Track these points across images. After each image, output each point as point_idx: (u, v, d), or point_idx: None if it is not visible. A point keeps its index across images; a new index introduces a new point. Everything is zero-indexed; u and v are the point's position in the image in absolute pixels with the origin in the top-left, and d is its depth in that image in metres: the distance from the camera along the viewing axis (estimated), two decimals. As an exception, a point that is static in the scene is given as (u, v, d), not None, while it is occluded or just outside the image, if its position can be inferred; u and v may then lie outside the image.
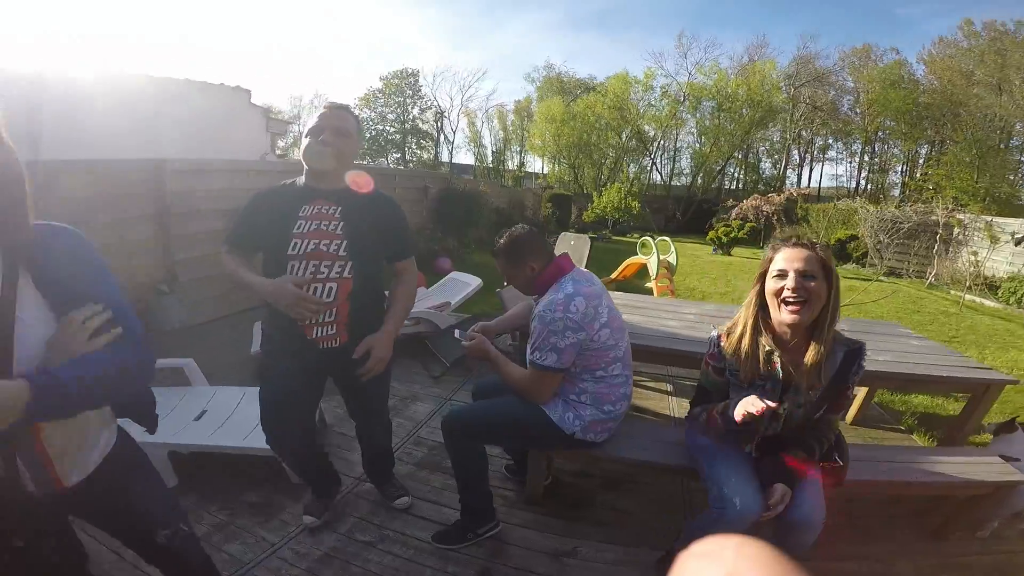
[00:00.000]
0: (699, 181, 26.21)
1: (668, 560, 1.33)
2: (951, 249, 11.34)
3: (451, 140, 36.43)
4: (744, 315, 1.54)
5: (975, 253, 9.99)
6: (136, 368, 0.91)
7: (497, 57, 59.86)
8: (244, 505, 2.02)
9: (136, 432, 1.12)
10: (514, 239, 1.80)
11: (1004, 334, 6.23)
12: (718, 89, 24.38)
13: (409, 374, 3.51)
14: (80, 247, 0.91)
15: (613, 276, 7.32)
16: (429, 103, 34.60)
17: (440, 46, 58.53)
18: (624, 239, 15.68)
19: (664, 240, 7.39)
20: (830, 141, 29.00)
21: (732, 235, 14.51)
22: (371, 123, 32.65)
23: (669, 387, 3.54)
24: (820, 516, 1.49)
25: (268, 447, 1.84)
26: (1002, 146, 23.61)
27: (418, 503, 2.10)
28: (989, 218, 10.87)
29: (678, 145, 28.48)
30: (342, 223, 1.56)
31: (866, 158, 28.95)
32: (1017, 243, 9.36)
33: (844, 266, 12.34)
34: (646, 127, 26.20)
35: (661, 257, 6.74)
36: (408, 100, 33.54)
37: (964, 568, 1.91)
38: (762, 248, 15.57)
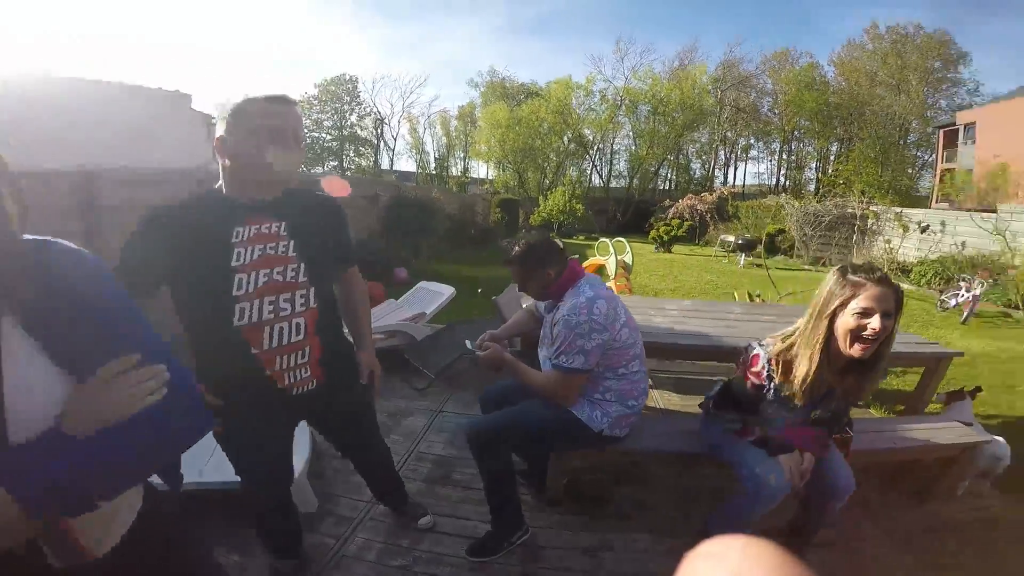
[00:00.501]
0: (636, 183, 27.44)
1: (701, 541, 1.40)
2: (867, 238, 12.53)
3: (392, 147, 35.91)
4: (808, 349, 1.49)
5: (888, 241, 11.12)
6: (187, 431, 0.75)
7: (439, 63, 60.48)
8: (257, 543, 1.86)
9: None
10: (531, 246, 1.82)
11: (921, 313, 6.97)
12: (653, 93, 25.79)
13: (392, 389, 3.38)
14: (92, 273, 0.71)
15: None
16: (368, 110, 34.03)
17: (380, 53, 58.04)
18: (571, 241, 16.06)
19: (620, 241, 7.65)
20: (752, 141, 31.83)
21: (672, 233, 15.28)
22: (307, 131, 31.69)
23: (650, 381, 3.68)
24: (852, 482, 1.64)
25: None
26: (901, 142, 26.48)
27: (439, 520, 2.05)
28: (899, 209, 12.12)
29: (615, 148, 29.96)
30: (292, 241, 1.29)
31: (784, 156, 31.66)
32: (923, 231, 10.49)
33: (774, 257, 13.29)
34: (586, 131, 27.19)
35: (619, 257, 6.98)
36: (346, 107, 32.78)
37: (950, 526, 2.12)
38: (698, 244, 16.57)
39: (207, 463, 2.02)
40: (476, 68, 59.62)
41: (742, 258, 12.40)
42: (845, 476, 1.68)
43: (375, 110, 34.51)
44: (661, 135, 25.98)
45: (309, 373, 1.34)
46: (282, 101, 1.23)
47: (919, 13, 43.80)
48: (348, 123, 32.92)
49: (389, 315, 4.41)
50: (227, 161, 1.24)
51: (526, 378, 1.87)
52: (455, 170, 36.99)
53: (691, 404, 2.94)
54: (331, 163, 32.64)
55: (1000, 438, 2.31)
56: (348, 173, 30.73)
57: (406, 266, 7.92)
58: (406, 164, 36.96)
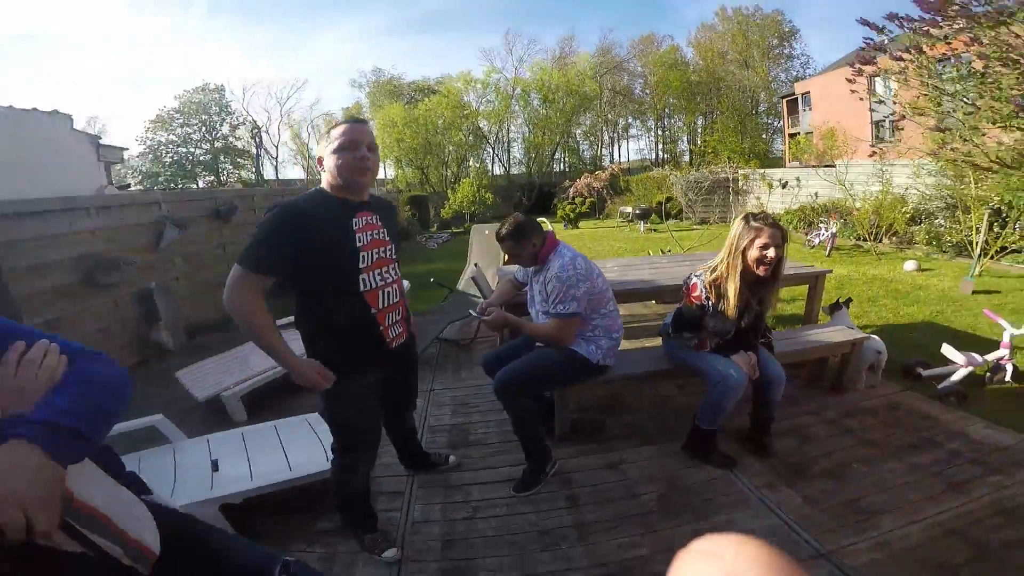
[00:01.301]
0: (533, 168, 28.42)
1: (697, 439, 1.88)
2: (740, 197, 14.38)
3: (274, 155, 33.51)
4: (728, 273, 2.11)
5: (758, 198, 12.91)
6: (119, 376, 0.87)
7: (316, 66, 56.68)
8: (325, 535, 2.00)
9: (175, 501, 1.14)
10: (518, 224, 2.20)
11: (795, 252, 8.34)
12: (543, 82, 26.70)
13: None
14: None
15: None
16: (241, 119, 31.33)
17: (247, 59, 53.14)
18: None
19: (543, 220, 8.21)
20: (630, 120, 33.88)
21: (577, 211, 16.32)
22: (171, 146, 28.49)
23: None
24: (782, 372, 2.25)
25: (320, 471, 2.03)
26: (754, 112, 30.08)
27: (480, 473, 2.37)
28: (763, 171, 14.05)
29: (511, 137, 30.55)
30: (384, 229, 1.69)
31: (659, 132, 34.26)
32: (783, 186, 12.34)
33: (667, 222, 14.74)
34: (482, 123, 27.48)
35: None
36: (215, 117, 29.85)
37: (864, 410, 2.84)
38: (599, 218, 17.82)
39: (263, 466, 2.15)
40: (358, 69, 57.13)
41: (642, 225, 13.64)
42: (777, 369, 2.32)
43: (249, 118, 31.96)
44: (552, 121, 27.13)
45: (401, 329, 1.78)
46: (350, 122, 1.60)
47: None
48: (220, 134, 30.04)
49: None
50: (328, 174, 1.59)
51: (531, 330, 2.28)
52: (348, 172, 35.84)
53: (645, 343, 3.46)
54: (207, 178, 29.65)
55: (875, 337, 3.10)
56: (227, 186, 28.38)
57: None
58: (292, 172, 34.75)
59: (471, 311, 2.45)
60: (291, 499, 2.12)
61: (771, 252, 2.04)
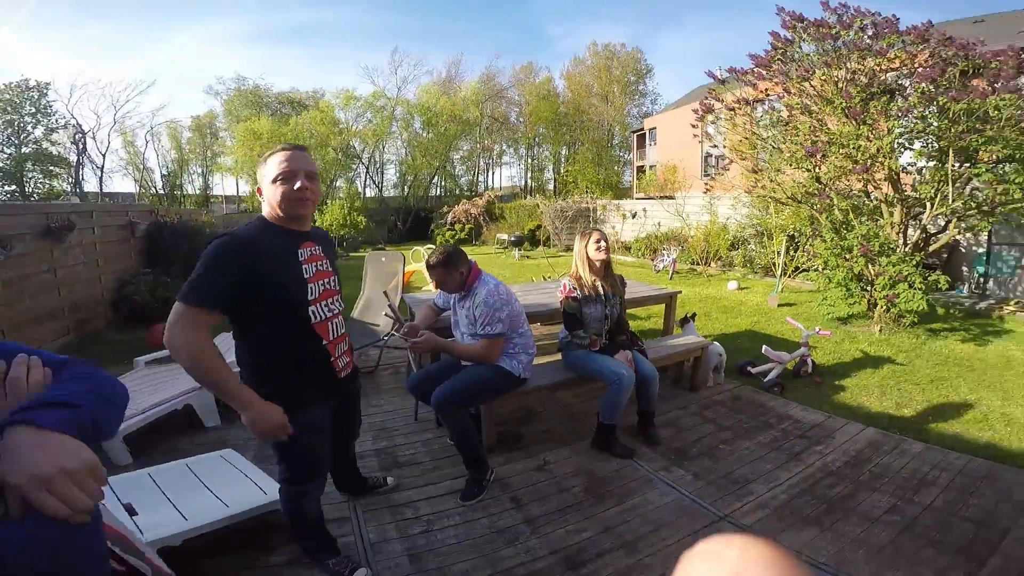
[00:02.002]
0: (408, 191, 27.94)
1: (602, 433, 2.47)
2: (598, 226, 16.10)
3: (98, 164, 28.40)
4: (582, 270, 2.88)
5: (613, 227, 14.63)
6: (112, 377, 0.86)
7: (165, 69, 48.91)
8: (283, 568, 1.96)
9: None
10: (448, 254, 2.48)
11: (645, 275, 9.68)
12: (427, 106, 26.50)
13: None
14: None
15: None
16: (63, 121, 26.16)
17: (79, 56, 43.92)
18: (358, 254, 15.94)
19: (431, 248, 8.41)
20: (504, 147, 35.22)
21: (456, 237, 16.69)
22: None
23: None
24: (655, 370, 2.86)
25: (261, 505, 2.04)
26: (609, 145, 33.47)
27: (425, 488, 2.51)
28: (617, 202, 15.94)
29: (386, 158, 29.80)
30: (326, 260, 1.71)
31: (529, 160, 36.06)
32: (633, 216, 14.17)
33: (536, 248, 15.85)
34: (354, 141, 26.50)
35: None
36: (28, 118, 24.58)
37: (716, 402, 3.57)
38: (476, 244, 18.44)
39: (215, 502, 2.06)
40: (216, 75, 50.65)
41: (516, 252, 14.50)
42: (650, 367, 2.91)
43: (73, 122, 26.89)
44: (433, 145, 27.04)
45: (348, 359, 1.82)
46: (287, 149, 1.59)
47: (623, 30, 57.41)
48: (31, 138, 24.83)
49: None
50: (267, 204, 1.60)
51: (460, 350, 2.55)
52: (191, 188, 31.82)
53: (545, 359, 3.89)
54: (6, 188, 24.09)
55: (716, 343, 3.92)
56: (35, 198, 23.33)
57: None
58: (121, 183, 29.78)
59: (395, 335, 2.59)
60: (225, 538, 2.03)
61: (602, 243, 2.86)
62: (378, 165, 29.45)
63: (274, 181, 1.54)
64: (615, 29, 61.13)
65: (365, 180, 28.86)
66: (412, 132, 27.76)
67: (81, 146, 27.16)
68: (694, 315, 4.18)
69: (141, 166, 29.25)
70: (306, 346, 1.63)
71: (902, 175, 5.79)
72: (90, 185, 28.08)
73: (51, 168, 25.28)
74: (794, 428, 3.17)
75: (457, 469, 2.61)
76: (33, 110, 24.83)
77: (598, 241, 2.85)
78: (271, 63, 54.71)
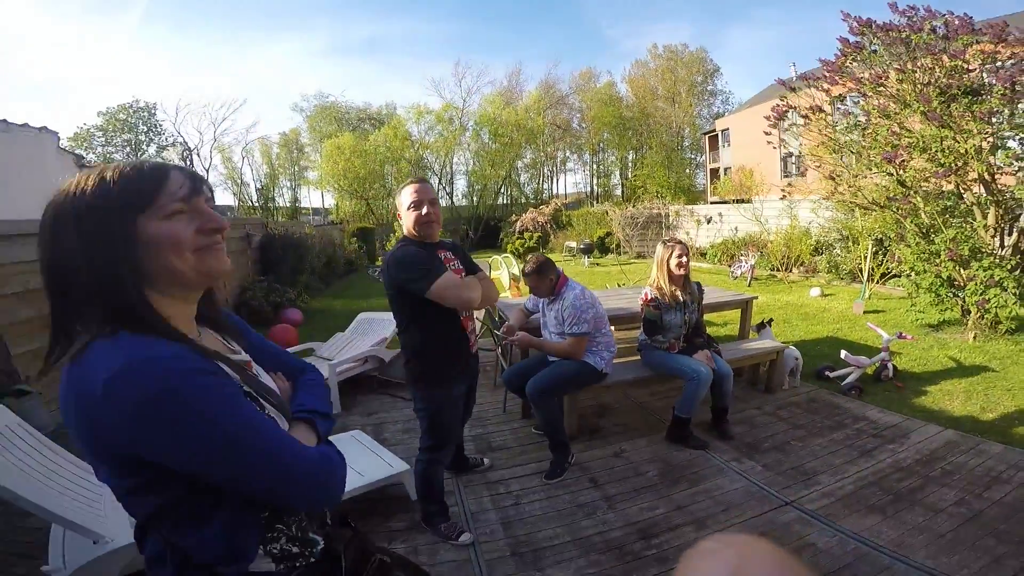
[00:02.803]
0: (478, 200, 28.63)
1: (677, 426, 3.01)
2: (672, 232, 15.90)
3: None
4: (662, 280, 3.07)
5: (687, 233, 14.44)
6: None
7: (253, 87, 54.43)
8: (401, 532, 2.33)
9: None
10: (541, 263, 2.87)
11: (722, 281, 9.57)
12: (493, 116, 27.22)
13: (390, 407, 3.94)
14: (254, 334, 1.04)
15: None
16: (172, 139, 29.65)
17: (179, 75, 49.51)
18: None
19: (507, 257, 8.94)
20: (568, 154, 34.92)
21: (526, 245, 17.17)
22: (90, 165, 26.50)
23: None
24: (730, 368, 3.08)
25: (388, 475, 2.45)
26: (679, 148, 32.32)
27: (513, 469, 2.90)
28: (690, 207, 15.69)
29: (455, 168, 30.77)
30: (457, 261, 2.18)
31: (594, 166, 35.66)
32: (708, 222, 13.91)
33: (607, 256, 15.93)
34: (425, 153, 27.68)
35: (509, 271, 8.21)
36: (142, 137, 28.21)
37: (791, 404, 3.70)
38: (544, 252, 18.73)
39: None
40: (298, 91, 55.31)
41: (586, 260, 14.69)
42: (726, 365, 3.13)
43: (181, 140, 30.38)
44: (500, 155, 27.55)
45: (473, 339, 2.24)
46: (417, 181, 2.07)
47: (687, 28, 56.65)
48: (146, 155, 28.41)
49: (349, 345, 4.84)
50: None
51: (551, 347, 2.94)
52: (282, 200, 34.77)
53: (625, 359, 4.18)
54: None
55: (792, 347, 4.00)
56: None
57: (290, 306, 7.80)
58: (222, 197, 33.18)
59: (495, 332, 3.02)
60: (352, 508, 2.41)
61: (683, 258, 3.05)
62: (449, 176, 30.47)
63: (408, 208, 2.02)
64: (678, 28, 59.17)
65: (437, 190, 29.98)
66: (480, 143, 28.45)
67: (188, 162, 30.57)
68: (771, 320, 4.29)
69: (239, 180, 32.17)
70: (452, 329, 2.10)
71: (999, 175, 5.45)
72: None
73: None
74: (869, 428, 3.24)
75: (541, 453, 2.98)
76: (145, 128, 28.19)
77: (680, 256, 3.04)
78: (345, 77, 58.83)
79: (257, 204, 32.92)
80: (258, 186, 33.62)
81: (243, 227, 8.79)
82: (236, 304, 7.66)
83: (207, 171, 31.61)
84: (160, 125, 29.05)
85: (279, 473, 0.71)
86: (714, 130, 28.03)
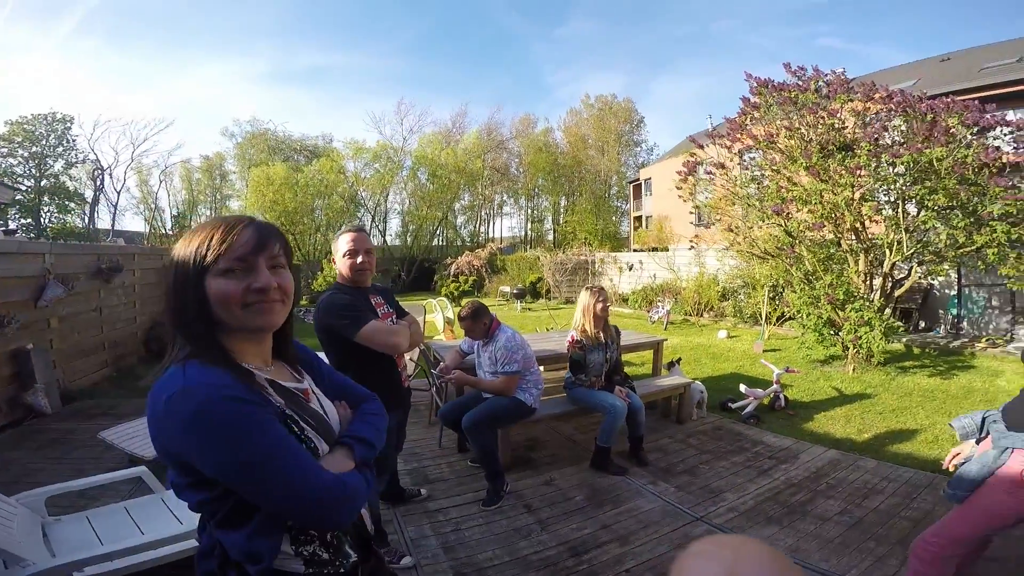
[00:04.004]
0: (412, 241, 28.17)
1: (599, 455, 3.47)
2: (597, 279, 16.80)
3: (113, 201, 28.71)
4: (585, 323, 3.39)
5: (611, 279, 15.37)
6: (383, 411, 1.15)
7: (182, 108, 49.66)
8: None
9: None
10: (476, 308, 3.15)
11: (641, 324, 10.29)
12: (432, 157, 27.25)
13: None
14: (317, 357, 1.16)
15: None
16: (82, 156, 26.81)
17: (104, 91, 44.78)
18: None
19: (442, 300, 9.10)
20: (505, 198, 35.35)
21: (461, 288, 17.32)
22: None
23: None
24: (642, 402, 3.43)
25: None
26: (606, 195, 34.01)
27: (452, 499, 3.02)
28: (614, 255, 16.72)
29: (390, 207, 30.20)
30: (387, 305, 2.35)
31: (529, 211, 36.24)
32: (630, 269, 14.92)
33: (538, 301, 16.43)
34: (360, 190, 27.14)
35: (444, 314, 8.40)
36: (48, 151, 25.45)
37: (700, 432, 4.12)
38: (479, 296, 18.92)
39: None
40: (230, 115, 51.49)
41: (519, 304, 15.07)
42: (638, 400, 3.47)
43: (94, 158, 27.50)
44: (438, 196, 27.48)
45: (405, 375, 2.45)
46: (353, 231, 2.25)
47: (619, 77, 59.43)
48: (50, 171, 25.48)
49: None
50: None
51: (484, 384, 3.16)
52: (199, 230, 32.29)
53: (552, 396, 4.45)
54: (23, 220, 24.45)
55: (698, 382, 4.49)
56: (48, 233, 23.89)
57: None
58: (132, 222, 30.19)
59: (433, 372, 3.20)
60: None
61: (605, 303, 3.44)
62: (383, 214, 29.94)
63: (344, 255, 2.20)
64: (612, 76, 63.23)
65: (370, 229, 29.44)
66: (417, 183, 28.31)
67: (99, 182, 27.81)
68: (679, 359, 4.77)
69: (152, 205, 29.60)
70: (386, 366, 2.23)
71: (869, 224, 6.46)
72: (103, 222, 28.57)
73: (67, 203, 25.71)
74: (765, 451, 3.69)
75: (478, 484, 3.12)
76: (56, 143, 25.48)
77: (603, 302, 3.42)
78: (282, 105, 56.13)
79: (172, 232, 30.60)
80: (174, 213, 31.38)
81: (159, 257, 8.31)
82: (146, 338, 7.17)
83: (118, 193, 29.12)
84: (74, 140, 26.45)
85: (289, 493, 0.80)
86: (638, 179, 29.29)
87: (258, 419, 0.80)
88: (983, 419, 1.72)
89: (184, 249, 0.86)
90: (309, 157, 28.58)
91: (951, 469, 1.81)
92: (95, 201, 27.89)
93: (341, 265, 2.21)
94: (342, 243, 2.22)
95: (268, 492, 0.80)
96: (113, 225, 28.82)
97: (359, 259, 2.19)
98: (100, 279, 5.93)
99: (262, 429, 0.80)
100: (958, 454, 1.81)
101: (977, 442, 1.73)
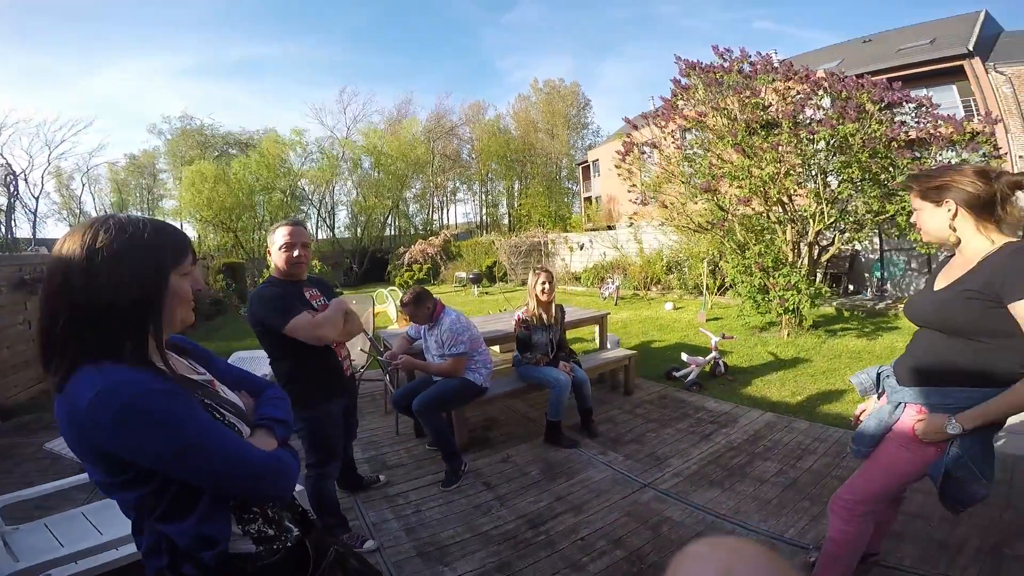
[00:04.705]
0: (363, 233, 27.75)
1: (551, 429, 3.63)
2: (550, 259, 17.08)
3: (32, 209, 26.82)
4: (531, 303, 3.54)
5: (564, 259, 15.65)
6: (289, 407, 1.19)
7: (102, 106, 46.86)
8: None
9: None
10: (418, 294, 3.19)
11: (592, 301, 10.58)
12: (374, 146, 26.70)
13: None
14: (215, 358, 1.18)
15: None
16: None
17: (9, 91, 41.00)
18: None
19: (394, 290, 9.09)
20: (458, 184, 35.51)
21: (416, 278, 17.16)
22: None
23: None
24: (586, 375, 3.61)
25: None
26: (557, 178, 34.60)
27: (412, 482, 3.07)
28: (565, 235, 17.01)
29: (336, 199, 29.59)
30: (323, 297, 2.36)
31: (483, 196, 36.62)
32: (581, 248, 15.24)
33: (495, 285, 16.55)
34: (302, 183, 26.38)
35: (396, 304, 8.36)
36: None
37: (646, 401, 4.33)
38: (436, 284, 18.91)
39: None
40: (157, 111, 48.59)
41: (475, 289, 15.10)
42: (583, 373, 3.64)
43: (3, 163, 25.36)
44: (384, 185, 27.23)
45: (347, 364, 2.48)
46: (291, 225, 2.27)
47: (568, 61, 60.63)
48: None
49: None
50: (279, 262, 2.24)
51: (434, 368, 3.21)
52: (129, 232, 30.39)
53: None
54: None
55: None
56: None
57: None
58: (55, 229, 28.12)
59: (379, 359, 3.23)
60: None
61: (546, 285, 3.55)
62: (329, 207, 29.29)
63: (280, 248, 2.21)
64: (560, 60, 64.03)
65: (317, 223, 28.65)
66: (362, 173, 27.83)
67: (12, 189, 25.67)
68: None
69: (77, 210, 27.97)
70: (324, 355, 2.26)
71: (794, 197, 6.89)
72: (22, 231, 26.59)
73: None
74: (707, 416, 3.93)
75: (436, 466, 3.19)
76: None
77: (543, 283, 3.55)
78: (217, 101, 53.30)
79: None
80: (103, 217, 29.00)
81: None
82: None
83: (36, 199, 26.86)
84: None
85: (229, 470, 0.86)
86: (587, 161, 29.82)
87: (186, 407, 0.84)
88: (878, 374, 1.75)
89: (144, 240, 0.86)
90: (244, 150, 27.31)
91: (857, 425, 1.83)
92: (10, 208, 25.62)
93: (277, 258, 2.23)
94: (278, 236, 2.24)
95: (211, 471, 0.84)
96: (34, 233, 26.78)
97: (295, 252, 2.22)
98: (24, 291, 5.53)
99: (191, 416, 0.84)
100: (864, 411, 1.83)
101: (878, 397, 1.76)
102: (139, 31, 47.19)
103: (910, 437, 1.50)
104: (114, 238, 0.83)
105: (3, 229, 24.51)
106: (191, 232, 24.46)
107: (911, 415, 1.53)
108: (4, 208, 25.00)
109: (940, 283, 1.50)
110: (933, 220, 1.47)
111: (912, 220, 1.59)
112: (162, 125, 28.64)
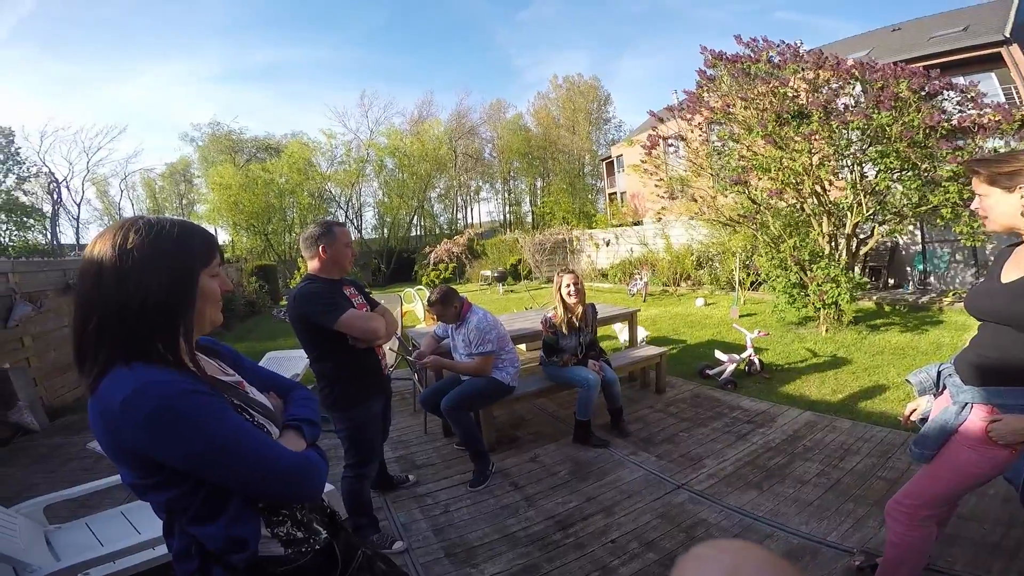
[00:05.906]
0: (389, 233, 28.07)
1: (580, 429, 3.43)
2: (576, 256, 16.93)
3: (74, 215, 27.89)
4: (558, 308, 3.42)
5: (589, 256, 15.47)
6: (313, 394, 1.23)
7: (134, 113, 48.61)
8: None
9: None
10: (444, 293, 3.16)
11: (620, 298, 10.41)
12: (397, 147, 26.98)
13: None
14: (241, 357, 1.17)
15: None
16: (34, 170, 25.77)
17: (45, 100, 43.56)
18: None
19: (421, 289, 9.11)
20: (480, 183, 35.52)
21: (442, 276, 17.28)
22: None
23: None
24: (615, 374, 3.51)
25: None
26: (580, 174, 34.33)
27: (441, 482, 3.06)
28: (591, 232, 16.83)
29: (363, 201, 29.94)
30: (360, 296, 2.38)
31: (506, 194, 36.58)
32: (607, 245, 15.04)
33: (520, 282, 16.50)
34: (329, 186, 26.77)
35: (423, 304, 8.40)
36: None
37: (678, 400, 4.22)
38: (461, 282, 19.00)
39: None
40: (189, 119, 50.62)
41: (500, 287, 15.10)
42: (612, 372, 3.55)
43: (47, 171, 26.48)
44: (408, 186, 27.47)
45: (386, 363, 2.49)
46: (341, 225, 2.33)
47: (585, 56, 60.15)
48: (1, 187, 24.10)
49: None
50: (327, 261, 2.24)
51: (461, 367, 3.18)
52: (166, 238, 31.60)
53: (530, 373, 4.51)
54: None
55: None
56: (10, 251, 23.02)
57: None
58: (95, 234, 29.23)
59: (408, 359, 3.21)
60: None
61: (572, 287, 3.42)
62: (356, 208, 29.61)
63: (345, 245, 2.26)
64: (577, 56, 63.14)
65: (344, 224, 28.89)
66: (386, 174, 28.06)
67: (56, 196, 26.82)
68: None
69: (117, 216, 28.95)
70: (365, 355, 2.26)
71: (829, 188, 6.61)
72: (66, 237, 27.70)
73: (24, 219, 24.34)
74: (743, 416, 3.80)
75: (464, 466, 3.17)
76: (2, 157, 24.30)
77: (568, 286, 3.41)
78: (242, 105, 54.54)
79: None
80: (141, 223, 30.22)
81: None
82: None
83: (78, 206, 28.09)
84: (19, 153, 25.16)
85: (259, 471, 0.85)
86: (610, 156, 29.49)
87: (217, 408, 0.84)
88: (938, 373, 1.68)
89: (173, 241, 0.87)
90: (274, 154, 27.99)
91: (908, 425, 1.80)
92: (55, 215, 26.87)
93: (338, 254, 2.23)
94: (340, 235, 2.26)
95: (242, 472, 0.84)
96: (78, 239, 28.06)
97: (351, 251, 2.32)
98: (69, 295, 5.80)
99: (222, 417, 0.84)
100: (914, 410, 1.77)
101: (935, 396, 1.69)
102: (165, 39, 49.00)
103: (979, 439, 1.42)
104: (143, 239, 0.84)
105: (48, 236, 25.78)
106: (224, 236, 25.33)
107: (980, 415, 1.44)
108: (49, 215, 26.28)
109: (1010, 274, 1.40)
110: (1003, 206, 1.37)
111: (974, 206, 1.47)
112: (193, 132, 29.46)
